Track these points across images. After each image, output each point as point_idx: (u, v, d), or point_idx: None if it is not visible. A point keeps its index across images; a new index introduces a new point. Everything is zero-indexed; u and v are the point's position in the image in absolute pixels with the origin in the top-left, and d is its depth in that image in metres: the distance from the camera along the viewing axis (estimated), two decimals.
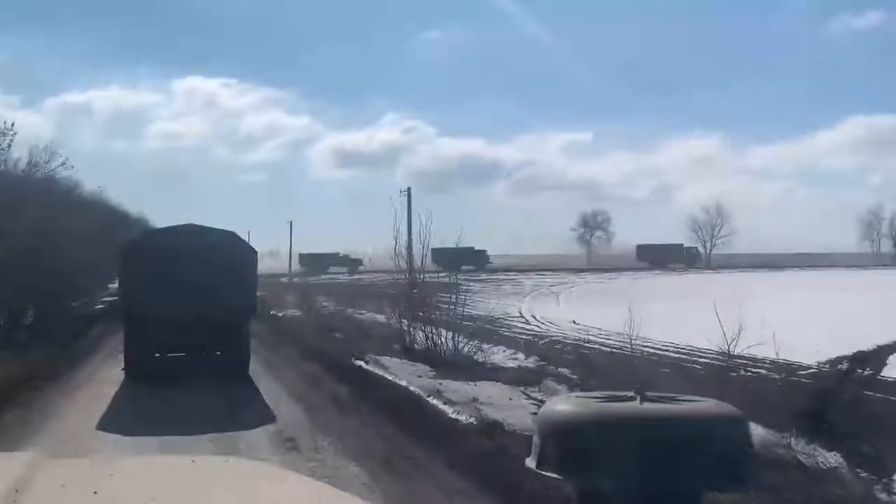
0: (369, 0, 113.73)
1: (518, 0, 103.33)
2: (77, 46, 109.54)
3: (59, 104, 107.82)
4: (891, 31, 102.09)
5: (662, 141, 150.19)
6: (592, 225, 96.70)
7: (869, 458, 9.15)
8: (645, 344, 19.71)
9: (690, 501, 1.68)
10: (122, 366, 15.64)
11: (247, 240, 17.99)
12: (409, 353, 19.41)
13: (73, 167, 27.88)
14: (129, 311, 15.77)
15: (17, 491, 1.71)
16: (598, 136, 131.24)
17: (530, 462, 1.77)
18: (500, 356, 19.40)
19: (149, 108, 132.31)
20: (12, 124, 25.80)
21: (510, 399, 13.22)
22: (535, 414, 7.42)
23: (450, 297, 20.60)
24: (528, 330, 27.69)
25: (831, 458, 9.14)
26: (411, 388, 14.04)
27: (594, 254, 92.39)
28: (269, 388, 15.06)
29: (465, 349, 18.37)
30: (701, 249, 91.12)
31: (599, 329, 24.09)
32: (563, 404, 1.75)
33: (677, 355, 19.47)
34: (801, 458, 9.01)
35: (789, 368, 15.25)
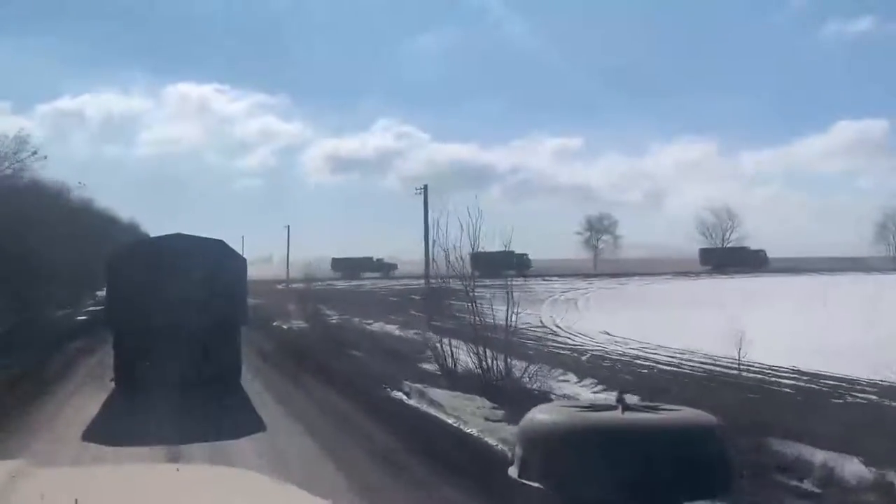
0: (361, 6, 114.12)
1: (509, 5, 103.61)
2: (68, 52, 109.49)
3: (51, 110, 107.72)
4: (882, 36, 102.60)
5: (654, 145, 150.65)
6: (599, 228, 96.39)
7: None
8: (721, 362, 17.95)
9: None
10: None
11: (240, 246, 18.08)
12: (451, 377, 15.78)
13: (45, 157, 26.80)
14: (117, 322, 15.72)
15: None
16: (590, 140, 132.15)
17: (512, 472, 1.80)
18: (553, 381, 15.89)
19: (141, 113, 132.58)
20: None
21: None
22: None
23: (468, 306, 17.02)
24: (562, 343, 24.29)
25: None
26: (492, 444, 9.97)
27: (600, 258, 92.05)
28: (286, 438, 10.69)
29: (518, 373, 14.89)
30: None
31: (639, 341, 22.42)
32: (545, 414, 1.78)
33: (795, 381, 16.68)
34: None
35: None
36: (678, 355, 20.54)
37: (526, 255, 67.75)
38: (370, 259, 78.60)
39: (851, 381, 16.03)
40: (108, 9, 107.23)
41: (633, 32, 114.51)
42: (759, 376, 16.68)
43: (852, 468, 8.58)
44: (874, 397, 14.51)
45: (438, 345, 17.10)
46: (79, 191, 34.97)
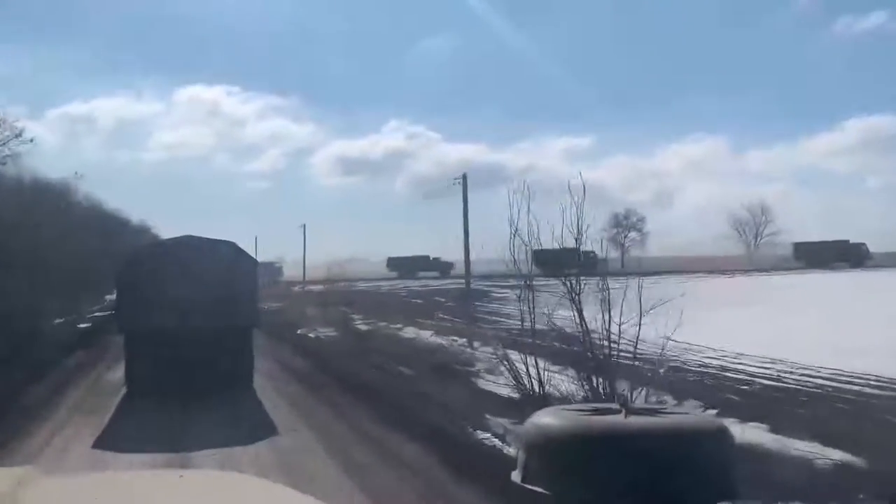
0: (372, 7, 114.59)
1: (518, 7, 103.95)
2: (79, 57, 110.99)
3: (62, 115, 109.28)
4: (892, 31, 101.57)
5: (663, 144, 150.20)
6: (626, 226, 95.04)
7: None
8: (822, 373, 15.59)
9: None
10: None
11: (253, 248, 18.12)
12: (537, 406, 11.93)
13: (31, 141, 25.87)
14: (127, 325, 15.88)
15: None
16: (599, 140, 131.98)
17: (515, 476, 1.81)
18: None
19: (152, 117, 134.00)
20: None
21: None
22: None
23: (527, 310, 13.99)
24: (630, 352, 20.36)
25: None
26: None
27: (628, 256, 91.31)
28: None
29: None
30: (749, 248, 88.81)
31: (714, 348, 19.48)
32: (548, 417, 1.80)
33: None
34: None
35: None
36: (769, 365, 17.73)
37: (593, 252, 65.62)
38: (426, 258, 75.74)
39: None
40: (118, 13, 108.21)
41: (642, 31, 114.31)
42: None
43: None
44: None
45: (507, 362, 13.35)
46: (88, 192, 34.57)
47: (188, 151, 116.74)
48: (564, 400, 11.47)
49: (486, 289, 38.66)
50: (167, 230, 22.03)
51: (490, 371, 15.66)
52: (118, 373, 16.53)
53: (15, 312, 18.49)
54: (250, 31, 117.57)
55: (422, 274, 70.77)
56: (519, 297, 13.55)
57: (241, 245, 17.34)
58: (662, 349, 12.08)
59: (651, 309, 11.71)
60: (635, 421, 1.74)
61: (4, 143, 24.23)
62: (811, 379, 16.19)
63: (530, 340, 12.78)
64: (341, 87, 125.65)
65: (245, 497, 2.06)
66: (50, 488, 2.06)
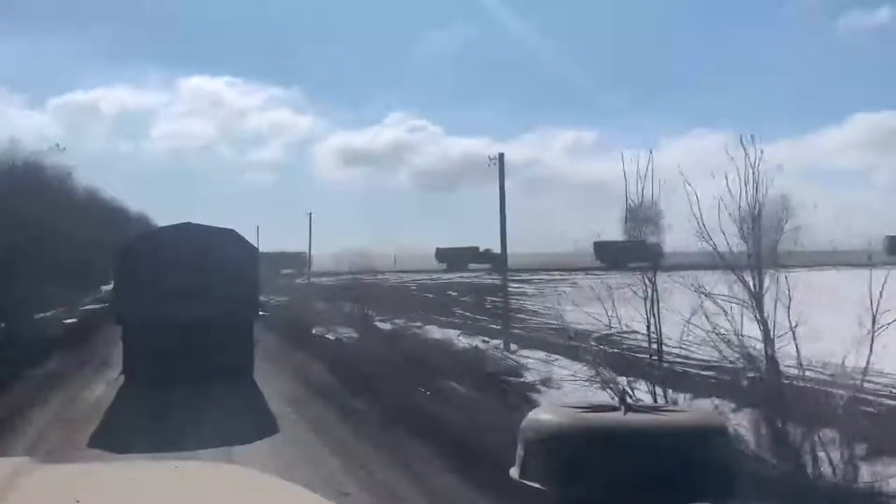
0: (375, 0, 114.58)
1: (521, 2, 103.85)
2: (81, 46, 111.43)
3: (64, 104, 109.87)
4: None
5: (667, 139, 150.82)
6: (642, 218, 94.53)
7: None
8: None
9: None
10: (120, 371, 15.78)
11: (255, 237, 18.11)
12: None
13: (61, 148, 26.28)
14: (125, 314, 15.91)
15: None
16: (603, 134, 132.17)
17: (514, 472, 1.83)
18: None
19: (154, 107, 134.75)
20: None
21: None
22: None
23: (608, 313, 12.14)
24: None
25: None
26: None
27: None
28: None
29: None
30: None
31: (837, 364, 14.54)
32: (547, 414, 1.81)
33: None
34: None
35: None
36: None
37: (658, 243, 63.28)
38: (476, 249, 72.67)
39: None
40: (120, 2, 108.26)
41: (647, 26, 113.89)
42: None
43: None
44: None
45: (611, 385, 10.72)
46: (86, 181, 34.59)
47: (190, 142, 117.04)
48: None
49: (499, 283, 37.82)
50: (168, 220, 20.90)
51: (545, 383, 14.21)
52: (97, 391, 15.16)
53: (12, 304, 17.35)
54: (252, 21, 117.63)
55: (473, 266, 65.01)
56: (646, 296, 10.74)
57: (243, 234, 17.35)
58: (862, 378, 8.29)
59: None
60: (634, 418, 1.75)
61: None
62: None
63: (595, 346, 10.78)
64: (343, 79, 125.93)
65: (241, 489, 2.08)
66: (46, 478, 2.08)
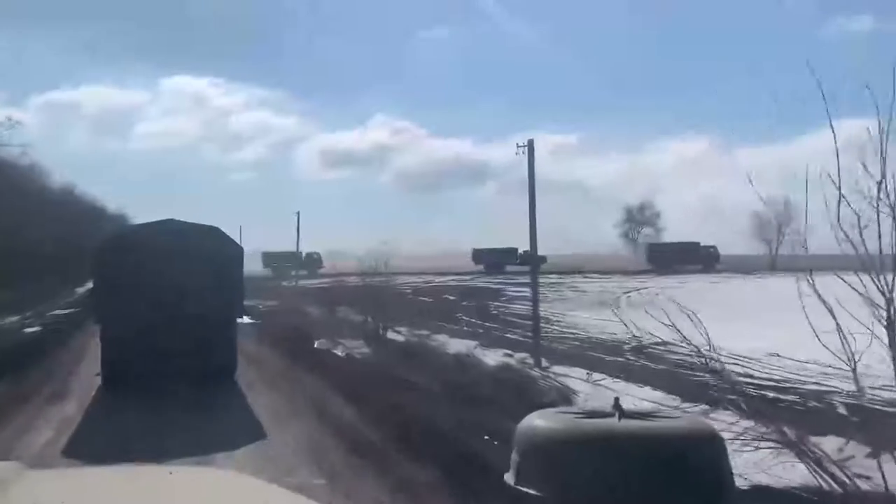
0: (359, 2, 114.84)
1: (507, 3, 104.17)
2: (63, 44, 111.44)
3: (46, 102, 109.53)
4: (882, 34, 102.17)
5: (652, 143, 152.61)
6: (640, 220, 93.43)
7: None
8: None
9: None
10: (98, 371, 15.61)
11: (238, 237, 17.91)
12: None
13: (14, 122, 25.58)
14: (103, 314, 15.75)
15: None
16: (587, 137, 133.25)
17: (508, 478, 1.86)
18: None
19: (136, 106, 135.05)
20: None
21: None
22: None
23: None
24: (759, 377, 15.11)
25: None
26: None
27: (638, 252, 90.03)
28: None
29: None
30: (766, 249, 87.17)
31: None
32: (542, 420, 1.84)
33: None
34: None
35: None
36: None
37: (713, 247, 62.15)
38: (514, 250, 67.97)
39: None
40: (103, 1, 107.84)
41: (631, 29, 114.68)
42: None
43: None
44: None
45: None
46: (61, 179, 33.83)
47: (172, 141, 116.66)
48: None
49: (497, 286, 36.44)
50: (148, 219, 19.80)
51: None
52: (55, 447, 8.56)
53: None
54: (235, 22, 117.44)
55: (510, 269, 59.58)
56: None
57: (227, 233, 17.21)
58: None
59: None
60: (628, 425, 1.78)
61: None
62: None
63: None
64: (326, 80, 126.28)
65: (234, 494, 2.09)
66: (36, 483, 2.09)
